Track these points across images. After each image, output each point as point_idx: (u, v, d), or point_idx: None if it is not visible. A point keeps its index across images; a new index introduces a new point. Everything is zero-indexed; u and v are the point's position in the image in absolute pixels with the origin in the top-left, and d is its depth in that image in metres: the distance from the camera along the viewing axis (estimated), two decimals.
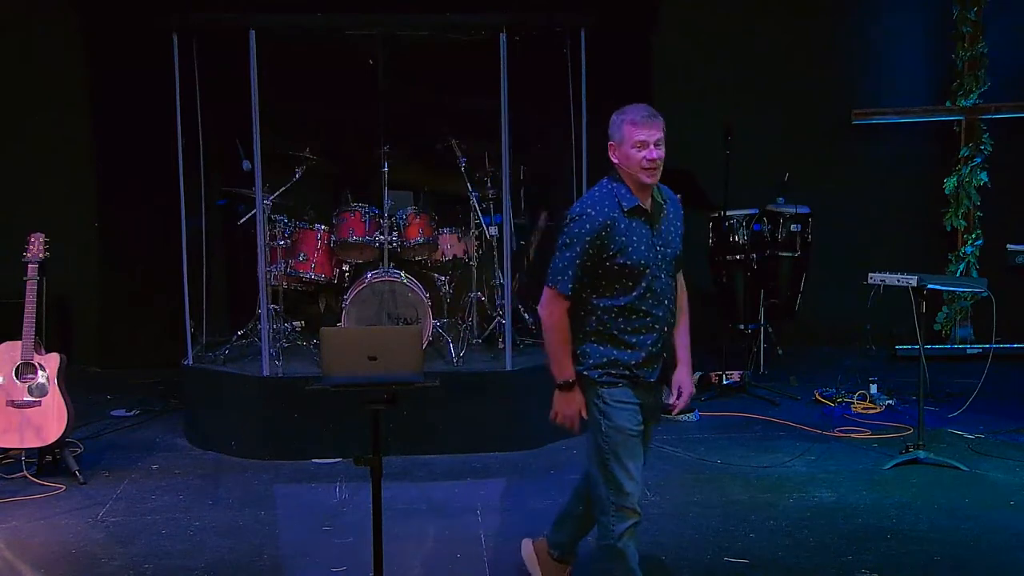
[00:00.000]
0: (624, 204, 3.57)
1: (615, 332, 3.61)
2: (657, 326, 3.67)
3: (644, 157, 3.52)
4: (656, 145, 3.54)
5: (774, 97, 8.73)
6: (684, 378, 3.81)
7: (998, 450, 6.00)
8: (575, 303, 3.62)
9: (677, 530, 4.87)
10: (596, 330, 3.63)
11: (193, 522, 5.09)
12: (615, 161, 3.61)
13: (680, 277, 3.84)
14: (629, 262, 3.55)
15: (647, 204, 3.63)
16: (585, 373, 3.64)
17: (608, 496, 3.64)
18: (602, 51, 6.99)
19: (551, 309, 3.62)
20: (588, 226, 3.52)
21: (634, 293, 3.58)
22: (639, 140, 3.52)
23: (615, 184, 3.62)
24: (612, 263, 3.55)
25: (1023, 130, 8.67)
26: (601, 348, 3.62)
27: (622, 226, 3.55)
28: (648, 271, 3.59)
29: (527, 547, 4.28)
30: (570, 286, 3.56)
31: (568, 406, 3.67)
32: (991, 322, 6.64)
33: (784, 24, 8.78)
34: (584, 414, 3.66)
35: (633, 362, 3.62)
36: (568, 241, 3.56)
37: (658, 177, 3.59)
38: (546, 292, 3.63)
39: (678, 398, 3.79)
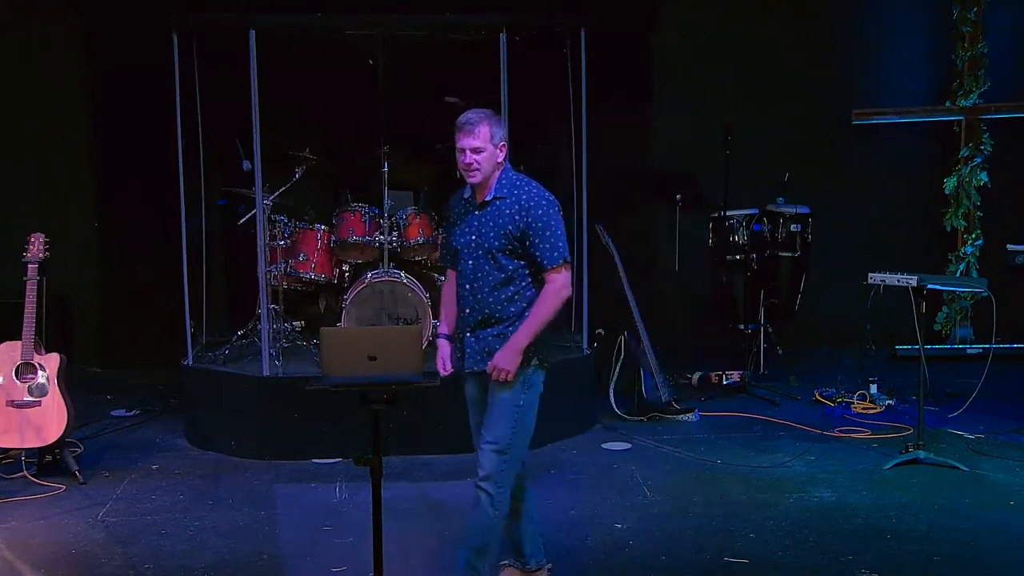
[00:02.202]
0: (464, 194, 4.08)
1: None
2: None
3: (461, 162, 3.91)
4: (473, 151, 3.86)
5: (774, 97, 8.73)
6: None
7: (998, 450, 6.00)
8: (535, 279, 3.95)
9: (677, 530, 4.87)
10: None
11: (193, 522, 5.09)
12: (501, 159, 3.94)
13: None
14: None
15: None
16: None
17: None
18: (602, 51, 6.99)
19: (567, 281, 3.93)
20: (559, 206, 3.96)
21: None
22: (458, 147, 3.91)
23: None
24: None
25: (1023, 130, 8.67)
26: None
27: None
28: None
29: None
30: None
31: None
32: (991, 322, 6.64)
33: (784, 24, 8.78)
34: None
35: None
36: (559, 218, 3.93)
37: (478, 178, 3.90)
38: (565, 270, 3.91)
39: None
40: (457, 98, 6.49)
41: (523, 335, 3.87)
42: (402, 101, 7.80)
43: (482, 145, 3.85)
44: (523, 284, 3.92)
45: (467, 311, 3.98)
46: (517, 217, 3.87)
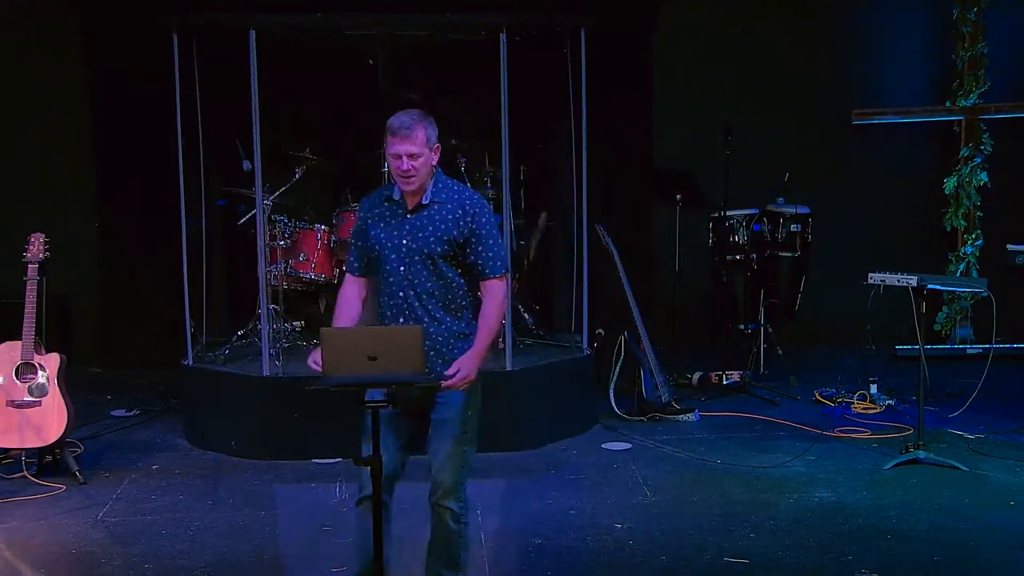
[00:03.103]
0: (385, 195, 3.85)
1: None
2: None
3: (397, 168, 3.70)
4: (411, 157, 3.67)
5: (774, 97, 8.73)
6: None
7: (998, 450, 6.00)
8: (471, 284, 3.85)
9: (677, 530, 4.87)
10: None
11: (193, 522, 5.09)
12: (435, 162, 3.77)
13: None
14: None
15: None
16: None
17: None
18: (602, 51, 6.99)
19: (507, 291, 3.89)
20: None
21: None
22: (391, 152, 3.69)
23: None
24: None
25: (1023, 130, 8.67)
26: None
27: None
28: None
29: None
30: None
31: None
32: (991, 322, 6.64)
33: (784, 24, 8.77)
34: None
35: None
36: (497, 228, 3.84)
37: (414, 185, 3.71)
38: (506, 279, 3.86)
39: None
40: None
41: (483, 343, 3.74)
42: (402, 101, 7.80)
43: (419, 151, 3.65)
44: (460, 292, 3.79)
45: (400, 320, 3.75)
46: (462, 223, 3.73)
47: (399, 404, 3.58)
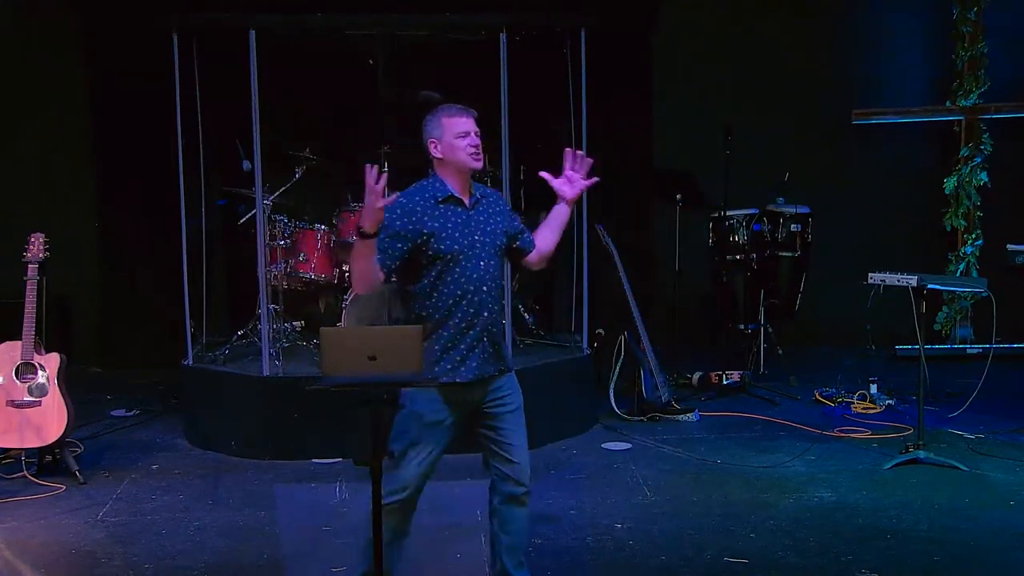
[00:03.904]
0: (438, 195, 3.75)
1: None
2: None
3: (467, 145, 3.75)
4: (476, 134, 3.78)
5: (774, 97, 8.74)
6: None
7: (998, 450, 6.00)
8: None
9: (677, 530, 4.87)
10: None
11: (193, 522, 5.09)
12: (439, 156, 3.77)
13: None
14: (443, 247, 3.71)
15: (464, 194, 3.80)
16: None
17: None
18: (602, 51, 6.99)
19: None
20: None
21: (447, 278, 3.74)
22: (460, 131, 3.75)
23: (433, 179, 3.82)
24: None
25: (1023, 130, 8.67)
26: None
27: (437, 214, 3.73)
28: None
29: None
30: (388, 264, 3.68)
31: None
32: (991, 322, 6.64)
33: (784, 24, 8.78)
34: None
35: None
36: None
37: (483, 161, 3.80)
38: None
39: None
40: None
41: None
42: (402, 101, 7.80)
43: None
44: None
45: (484, 314, 3.74)
46: (509, 214, 3.91)
47: (456, 411, 3.72)
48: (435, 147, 3.78)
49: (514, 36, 6.27)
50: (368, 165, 3.52)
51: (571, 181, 3.99)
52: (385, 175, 3.53)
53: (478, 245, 3.76)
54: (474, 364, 3.74)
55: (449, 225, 3.72)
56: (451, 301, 3.71)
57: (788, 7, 8.79)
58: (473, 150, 3.75)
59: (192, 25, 6.42)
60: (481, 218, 3.80)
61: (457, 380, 3.72)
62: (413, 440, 3.72)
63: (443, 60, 7.65)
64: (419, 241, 3.67)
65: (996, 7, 8.52)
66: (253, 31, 6.06)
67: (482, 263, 3.76)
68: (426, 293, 3.72)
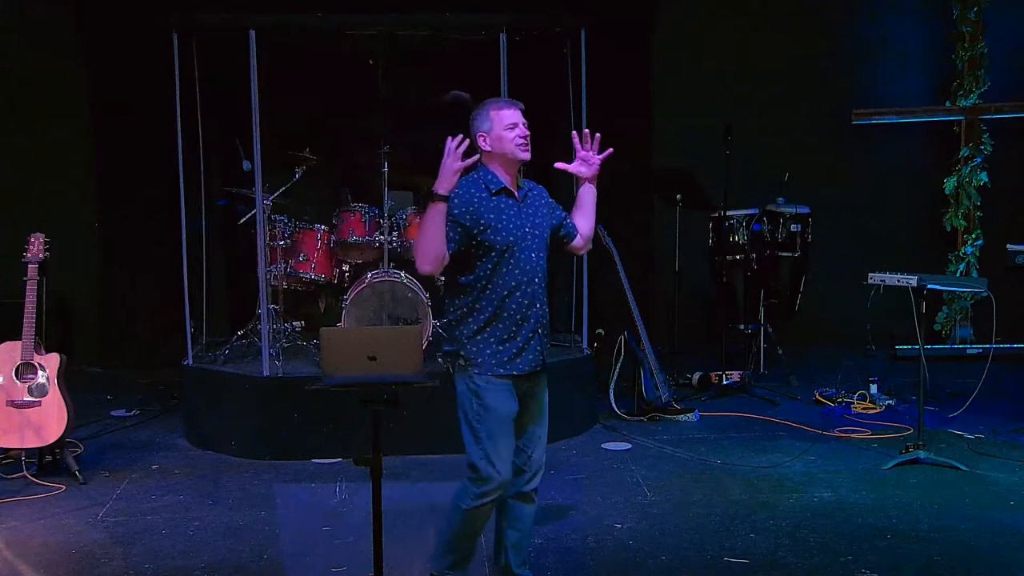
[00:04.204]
0: (491, 187, 3.77)
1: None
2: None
3: (516, 136, 3.78)
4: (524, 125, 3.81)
5: (774, 97, 8.74)
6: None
7: (998, 450, 6.00)
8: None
9: (677, 530, 4.87)
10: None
11: (193, 522, 5.09)
12: (488, 148, 3.79)
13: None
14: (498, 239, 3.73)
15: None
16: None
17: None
18: (602, 51, 6.99)
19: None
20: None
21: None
22: (509, 123, 3.79)
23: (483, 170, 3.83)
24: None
25: (1023, 130, 8.67)
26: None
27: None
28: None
29: None
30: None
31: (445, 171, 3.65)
32: (991, 322, 6.65)
33: (784, 24, 8.79)
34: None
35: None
36: None
37: (530, 155, 3.80)
38: None
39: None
40: (466, 94, 6.49)
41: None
42: (402, 101, 7.80)
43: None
44: None
45: (537, 306, 3.79)
46: (552, 208, 3.94)
47: (517, 401, 3.77)
48: (484, 140, 3.80)
49: (514, 36, 6.28)
50: (450, 136, 3.59)
51: (586, 161, 3.99)
52: (467, 141, 3.61)
53: (529, 237, 3.79)
54: (530, 356, 3.79)
55: (504, 217, 3.74)
56: (505, 293, 3.74)
57: (788, 7, 8.80)
58: (522, 141, 3.79)
59: (192, 25, 6.42)
60: (529, 211, 3.83)
61: (515, 372, 3.76)
62: (495, 435, 3.73)
63: (443, 60, 7.65)
64: (475, 231, 3.69)
65: (996, 7, 8.53)
66: (253, 31, 6.06)
67: (533, 255, 3.79)
68: (480, 286, 3.74)
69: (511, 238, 3.73)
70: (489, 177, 3.79)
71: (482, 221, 3.70)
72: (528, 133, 3.80)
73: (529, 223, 3.80)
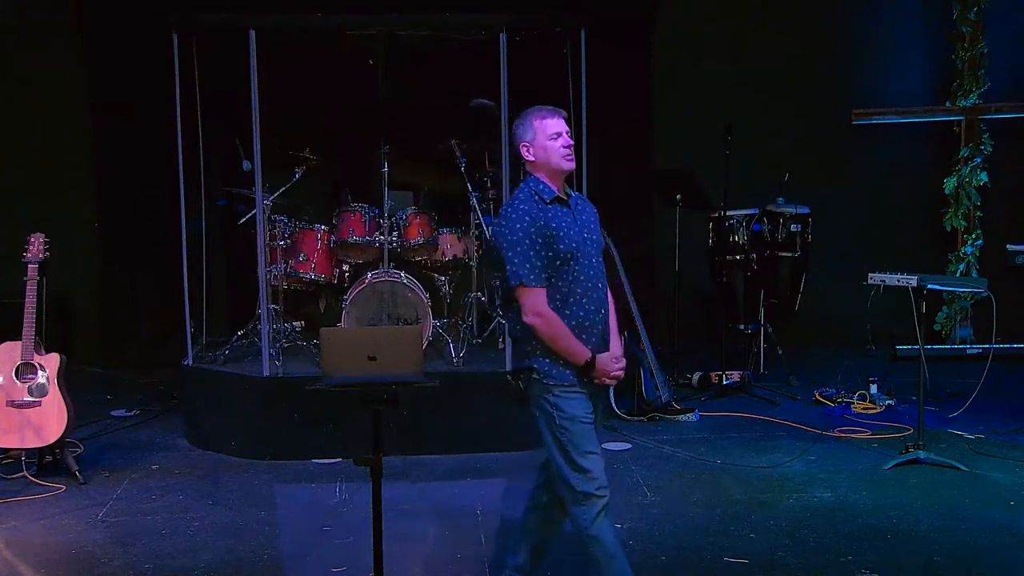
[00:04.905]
0: (545, 196, 3.68)
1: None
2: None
3: (560, 146, 3.68)
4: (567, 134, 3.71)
5: (774, 97, 8.74)
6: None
7: (998, 450, 6.00)
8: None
9: (677, 530, 4.87)
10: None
11: (193, 522, 5.09)
12: (532, 159, 3.70)
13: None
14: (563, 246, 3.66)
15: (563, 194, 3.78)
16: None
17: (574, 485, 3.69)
18: (602, 51, 6.99)
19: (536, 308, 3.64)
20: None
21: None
22: (551, 132, 3.68)
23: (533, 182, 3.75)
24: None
25: (1023, 130, 8.67)
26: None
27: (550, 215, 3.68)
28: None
29: None
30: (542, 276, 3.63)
31: (603, 367, 3.65)
32: (991, 322, 6.65)
33: (784, 24, 8.79)
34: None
35: None
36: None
37: (575, 164, 3.75)
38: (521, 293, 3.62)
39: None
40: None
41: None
42: (402, 101, 7.80)
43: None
44: None
45: (602, 312, 3.72)
46: (598, 219, 3.88)
47: (598, 403, 3.74)
48: (527, 150, 3.71)
49: (514, 36, 6.27)
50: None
51: None
52: None
53: (588, 243, 3.72)
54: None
55: (564, 224, 3.66)
56: (571, 300, 3.66)
57: (788, 7, 8.80)
58: (566, 151, 3.69)
59: (192, 25, 6.42)
60: (582, 217, 3.77)
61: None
62: (580, 445, 3.66)
63: (443, 60, 7.64)
64: (551, 239, 3.61)
65: (996, 7, 8.53)
66: (253, 31, 6.06)
67: (594, 259, 3.74)
68: (548, 295, 3.64)
69: (573, 244, 3.64)
70: (540, 187, 3.69)
71: (552, 226, 3.62)
72: (572, 142, 3.71)
73: (585, 228, 3.73)
